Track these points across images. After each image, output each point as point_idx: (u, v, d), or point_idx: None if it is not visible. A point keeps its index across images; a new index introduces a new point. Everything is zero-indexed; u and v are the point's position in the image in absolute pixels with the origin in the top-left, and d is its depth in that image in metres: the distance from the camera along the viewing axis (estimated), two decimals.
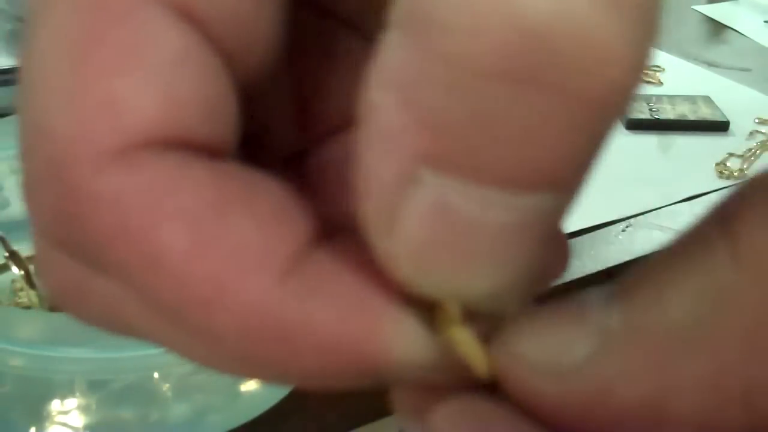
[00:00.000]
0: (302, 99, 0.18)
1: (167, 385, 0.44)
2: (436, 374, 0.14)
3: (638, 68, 0.11)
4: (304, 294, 0.13)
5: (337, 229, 0.15)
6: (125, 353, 0.39)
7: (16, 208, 0.54)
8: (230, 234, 0.13)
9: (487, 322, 0.14)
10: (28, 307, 0.49)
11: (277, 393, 0.46)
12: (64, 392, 0.42)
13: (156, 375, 0.43)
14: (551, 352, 0.13)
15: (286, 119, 0.18)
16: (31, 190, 0.15)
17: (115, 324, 0.16)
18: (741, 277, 0.12)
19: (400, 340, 0.14)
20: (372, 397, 0.55)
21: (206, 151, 0.14)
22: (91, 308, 0.16)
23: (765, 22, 1.06)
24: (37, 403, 0.43)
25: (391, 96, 0.12)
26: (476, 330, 0.14)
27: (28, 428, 0.43)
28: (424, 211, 0.12)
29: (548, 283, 0.17)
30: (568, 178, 0.12)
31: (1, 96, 0.70)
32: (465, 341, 0.14)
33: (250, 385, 0.46)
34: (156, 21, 0.13)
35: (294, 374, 0.14)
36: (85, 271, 0.15)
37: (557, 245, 0.17)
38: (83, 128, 0.13)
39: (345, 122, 0.18)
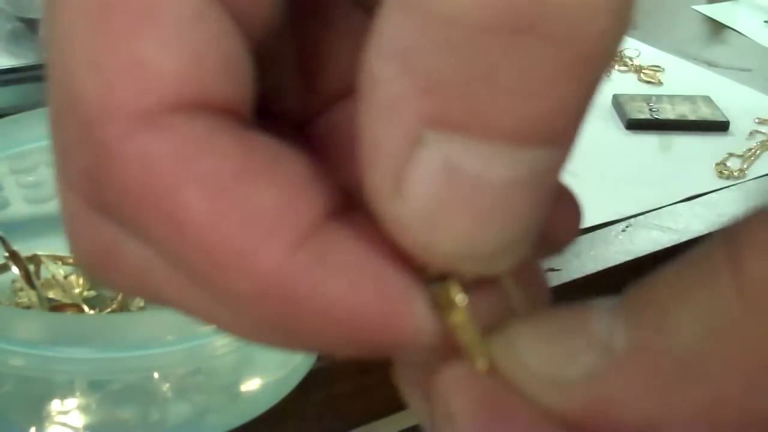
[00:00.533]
0: (306, 66, 0.18)
1: (167, 385, 0.44)
2: (436, 355, 0.15)
3: (625, 18, 0.12)
4: (318, 263, 0.14)
5: (355, 203, 0.15)
6: (125, 353, 0.39)
7: (16, 208, 0.54)
8: (250, 200, 0.14)
9: (492, 302, 0.14)
10: (28, 307, 0.49)
11: (277, 393, 0.46)
12: (64, 392, 0.42)
13: (156, 375, 0.43)
14: (552, 362, 0.14)
15: (290, 86, 0.18)
16: (63, 152, 0.15)
17: (143, 289, 0.16)
18: (744, 308, 0.12)
19: (411, 317, 0.14)
20: (372, 398, 0.56)
21: (227, 113, 0.14)
22: (120, 273, 0.16)
23: (765, 22, 1.06)
24: (37, 403, 0.43)
25: (391, 64, 0.12)
26: (479, 319, 0.14)
27: (28, 428, 0.43)
28: (431, 172, 0.13)
29: (562, 245, 0.17)
30: (564, 129, 0.13)
31: (1, 96, 0.70)
32: (467, 329, 0.14)
33: (250, 386, 0.46)
34: None
35: (306, 340, 0.14)
36: (116, 234, 0.15)
37: (565, 204, 0.17)
38: (111, 91, 0.13)
39: (348, 88, 0.18)
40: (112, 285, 0.17)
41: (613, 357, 0.13)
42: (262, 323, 0.14)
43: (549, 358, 0.14)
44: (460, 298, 0.14)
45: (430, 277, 0.14)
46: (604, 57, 0.12)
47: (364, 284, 0.14)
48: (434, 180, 0.13)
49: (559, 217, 0.17)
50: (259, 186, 0.14)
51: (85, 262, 0.17)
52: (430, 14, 0.12)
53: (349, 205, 0.15)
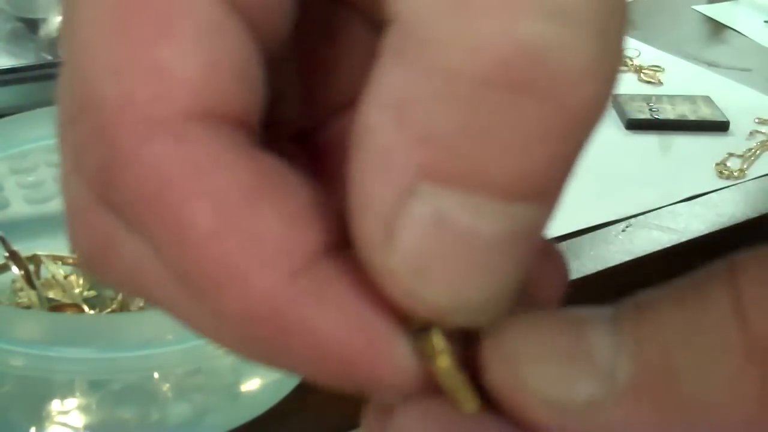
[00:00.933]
0: (307, 77, 0.18)
1: (167, 385, 0.44)
2: (417, 397, 0.15)
3: (613, 82, 0.13)
4: (310, 295, 0.14)
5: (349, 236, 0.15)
6: (125, 353, 0.39)
7: (16, 208, 0.54)
8: (254, 223, 0.14)
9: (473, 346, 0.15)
10: (28, 307, 0.49)
11: (277, 393, 0.46)
12: (64, 392, 0.42)
13: (156, 375, 0.43)
14: (553, 385, 0.14)
15: (291, 96, 0.18)
16: (75, 146, 0.15)
17: (136, 286, 0.16)
18: (748, 365, 0.13)
19: (393, 359, 0.14)
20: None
21: (239, 124, 0.14)
22: (116, 267, 0.16)
23: (765, 22, 1.06)
24: (37, 403, 0.43)
25: (387, 114, 0.13)
26: (460, 361, 0.15)
27: (28, 428, 0.43)
28: (421, 223, 0.13)
29: (549, 301, 0.17)
30: (554, 185, 0.13)
31: (1, 96, 0.70)
32: (451, 375, 0.14)
33: (250, 386, 0.46)
34: None
35: (288, 366, 0.15)
36: (117, 230, 0.15)
37: (553, 261, 0.17)
38: (130, 95, 0.14)
39: (349, 101, 0.18)
40: (108, 279, 0.17)
41: (616, 387, 0.13)
42: (246, 341, 0.15)
43: (549, 379, 0.14)
44: (442, 346, 0.14)
45: (415, 324, 0.14)
46: (593, 118, 0.13)
47: (350, 322, 0.14)
48: (424, 232, 0.13)
49: (546, 274, 0.17)
50: (265, 210, 0.14)
51: (83, 254, 0.17)
52: (430, 67, 0.12)
53: (345, 238, 0.15)
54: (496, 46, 0.12)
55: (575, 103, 0.12)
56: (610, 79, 0.13)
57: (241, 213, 0.14)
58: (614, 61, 0.13)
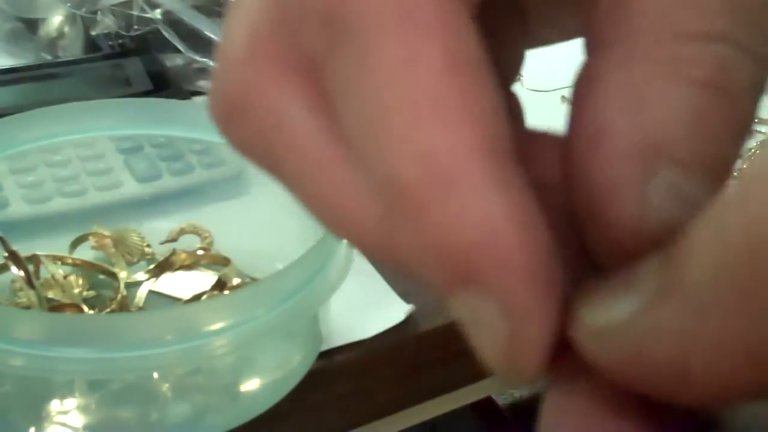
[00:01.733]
0: None
1: (167, 385, 0.44)
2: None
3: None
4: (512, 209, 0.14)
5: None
6: (125, 353, 0.39)
7: (16, 208, 0.54)
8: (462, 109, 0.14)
9: None
10: (27, 307, 0.49)
11: (277, 393, 0.46)
12: (64, 392, 0.42)
13: (155, 375, 0.43)
14: (602, 315, 0.14)
15: None
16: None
17: (270, 147, 0.17)
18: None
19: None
20: (372, 398, 0.56)
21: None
22: (253, 126, 0.17)
23: None
24: (36, 403, 0.43)
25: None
26: None
27: (28, 428, 0.43)
28: (662, 191, 0.16)
29: None
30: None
31: (1, 96, 0.70)
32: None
33: (249, 386, 0.46)
34: None
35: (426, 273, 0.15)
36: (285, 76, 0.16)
37: None
38: None
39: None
40: (237, 139, 0.17)
41: (646, 298, 0.14)
42: (394, 218, 0.15)
43: (600, 311, 0.15)
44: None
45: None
46: None
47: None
48: (665, 197, 0.16)
49: None
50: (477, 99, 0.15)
51: (218, 111, 0.17)
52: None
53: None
54: None
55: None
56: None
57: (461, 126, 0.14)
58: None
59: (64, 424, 0.42)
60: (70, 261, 0.53)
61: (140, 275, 0.53)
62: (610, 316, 0.14)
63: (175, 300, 0.52)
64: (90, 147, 0.58)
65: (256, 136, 0.17)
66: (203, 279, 0.53)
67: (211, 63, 0.75)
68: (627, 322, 0.14)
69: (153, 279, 0.53)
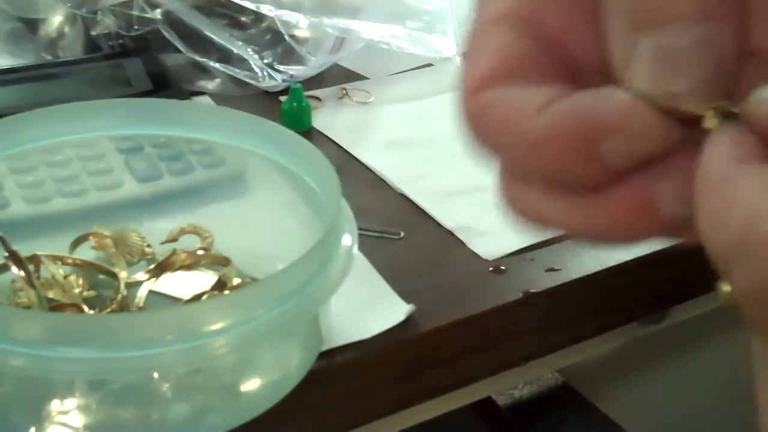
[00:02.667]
0: None
1: (167, 385, 0.44)
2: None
3: None
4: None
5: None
6: (125, 353, 0.39)
7: (17, 208, 0.54)
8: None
9: None
10: (27, 307, 0.49)
11: (277, 393, 0.46)
12: (64, 392, 0.42)
13: (156, 375, 0.43)
14: None
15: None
16: None
17: (515, 136, 0.21)
18: None
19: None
20: (372, 398, 0.55)
21: None
22: (498, 122, 0.21)
23: None
24: (36, 403, 0.43)
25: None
26: None
27: (28, 428, 0.43)
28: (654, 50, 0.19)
29: None
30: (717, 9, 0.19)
31: (1, 96, 0.70)
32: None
33: (249, 386, 0.46)
34: None
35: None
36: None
37: None
38: None
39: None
40: (483, 136, 0.21)
41: None
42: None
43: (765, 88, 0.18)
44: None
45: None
46: None
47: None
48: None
49: None
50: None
51: (468, 113, 0.21)
52: None
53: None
54: None
55: None
56: None
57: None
58: None
59: (64, 424, 0.42)
60: (70, 261, 0.53)
61: (140, 275, 0.53)
62: None
63: (176, 300, 0.52)
64: (90, 147, 0.58)
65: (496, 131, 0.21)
66: (203, 279, 0.53)
67: (211, 63, 0.75)
68: None
69: (153, 279, 0.53)
